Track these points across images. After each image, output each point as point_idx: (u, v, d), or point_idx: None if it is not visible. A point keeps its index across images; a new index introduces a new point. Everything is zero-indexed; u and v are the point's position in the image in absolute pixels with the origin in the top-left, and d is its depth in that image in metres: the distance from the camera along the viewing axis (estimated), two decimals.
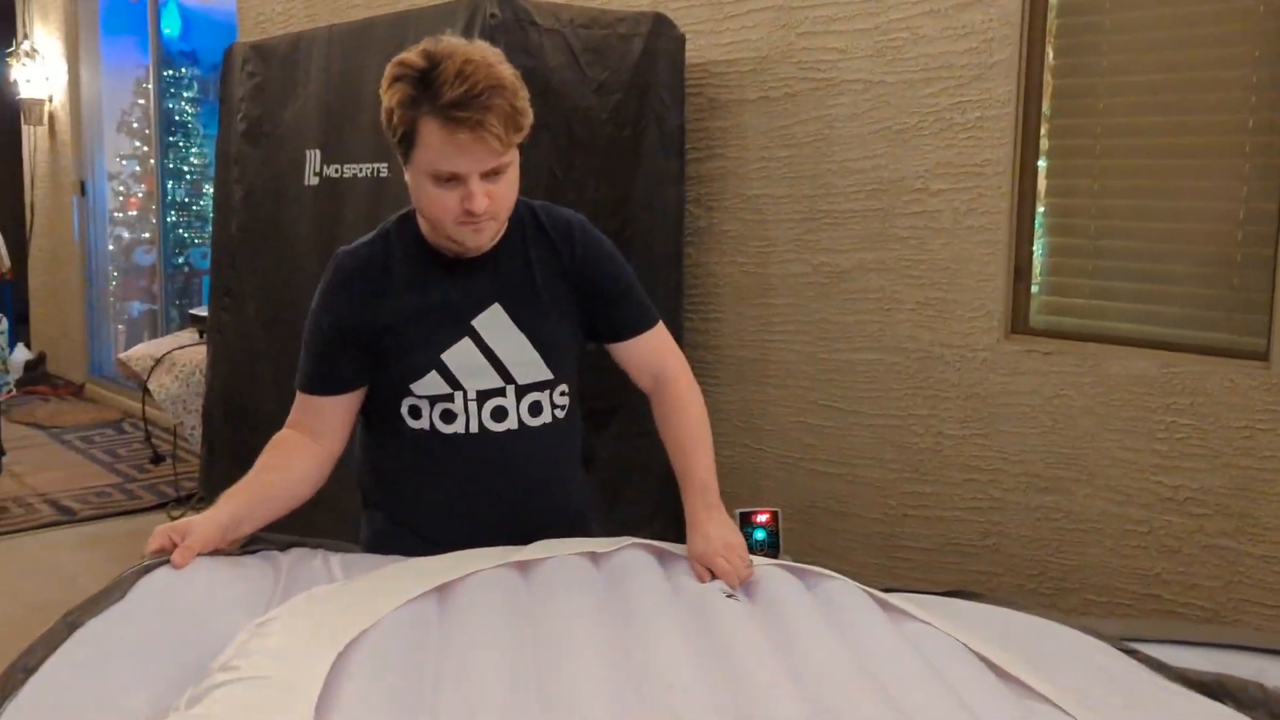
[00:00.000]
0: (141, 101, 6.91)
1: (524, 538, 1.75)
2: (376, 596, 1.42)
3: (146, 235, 7.07)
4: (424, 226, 1.69)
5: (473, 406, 1.71)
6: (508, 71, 1.55)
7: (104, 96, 6.95)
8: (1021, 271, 2.63)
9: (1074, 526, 2.56)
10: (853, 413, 2.93)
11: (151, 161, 6.73)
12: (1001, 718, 1.30)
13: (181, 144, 6.81)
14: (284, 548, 1.70)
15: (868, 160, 2.83)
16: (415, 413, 1.72)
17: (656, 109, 3.01)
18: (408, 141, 1.55)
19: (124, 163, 7.11)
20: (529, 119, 1.57)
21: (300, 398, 1.75)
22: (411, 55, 1.54)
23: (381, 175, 2.95)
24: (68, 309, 7.28)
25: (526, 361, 1.73)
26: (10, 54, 7.18)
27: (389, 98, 1.54)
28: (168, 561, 1.53)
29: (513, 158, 1.59)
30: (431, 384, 1.69)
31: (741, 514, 2.36)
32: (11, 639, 3.61)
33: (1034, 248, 2.62)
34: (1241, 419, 2.30)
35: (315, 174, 3.20)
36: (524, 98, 1.56)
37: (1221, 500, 2.34)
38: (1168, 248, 2.45)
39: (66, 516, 4.60)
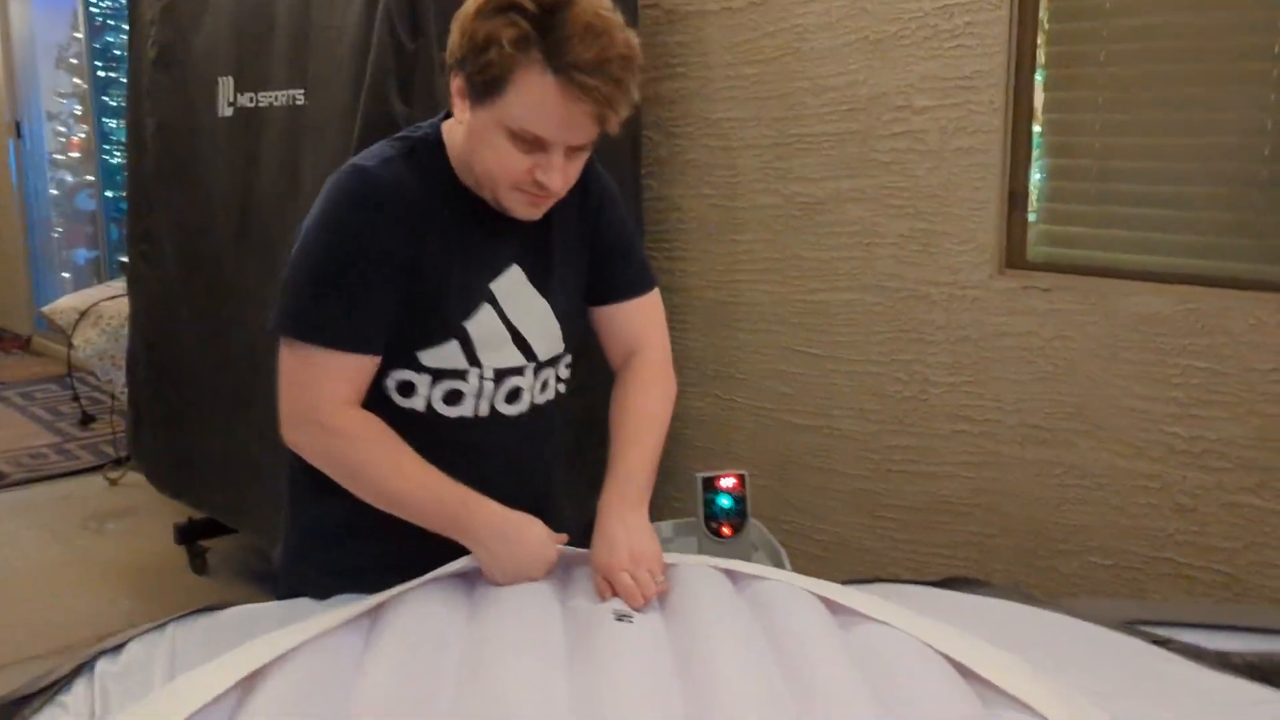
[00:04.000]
0: (79, 35, 6.50)
1: None
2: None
3: (91, 178, 6.71)
4: (458, 166, 1.39)
5: (488, 386, 1.44)
6: (634, 39, 1.28)
7: (37, 30, 6.54)
8: (1017, 198, 2.33)
9: (1077, 483, 2.29)
10: (830, 358, 2.65)
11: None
12: None
13: (123, 79, 6.42)
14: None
15: (843, 76, 2.51)
16: (407, 389, 1.42)
17: None
18: (496, 85, 1.25)
19: (64, 101, 6.71)
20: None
21: (334, 359, 1.34)
22: None
23: (298, 103, 2.62)
24: (10, 258, 6.94)
25: (548, 334, 1.48)
26: None
27: (490, 27, 1.24)
28: None
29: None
30: (447, 355, 1.40)
31: (704, 479, 2.08)
32: None
33: (1031, 171, 2.32)
34: (1268, 360, 2.03)
35: (229, 104, 2.87)
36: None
37: (1243, 453, 2.08)
38: (1184, 167, 2.15)
39: None
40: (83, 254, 6.84)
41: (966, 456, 2.45)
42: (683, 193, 2.89)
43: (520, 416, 1.49)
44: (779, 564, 2.20)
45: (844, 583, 1.52)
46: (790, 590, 1.39)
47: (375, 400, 1.41)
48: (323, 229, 1.34)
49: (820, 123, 2.58)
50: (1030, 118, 2.30)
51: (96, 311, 3.97)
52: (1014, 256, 2.35)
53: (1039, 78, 2.29)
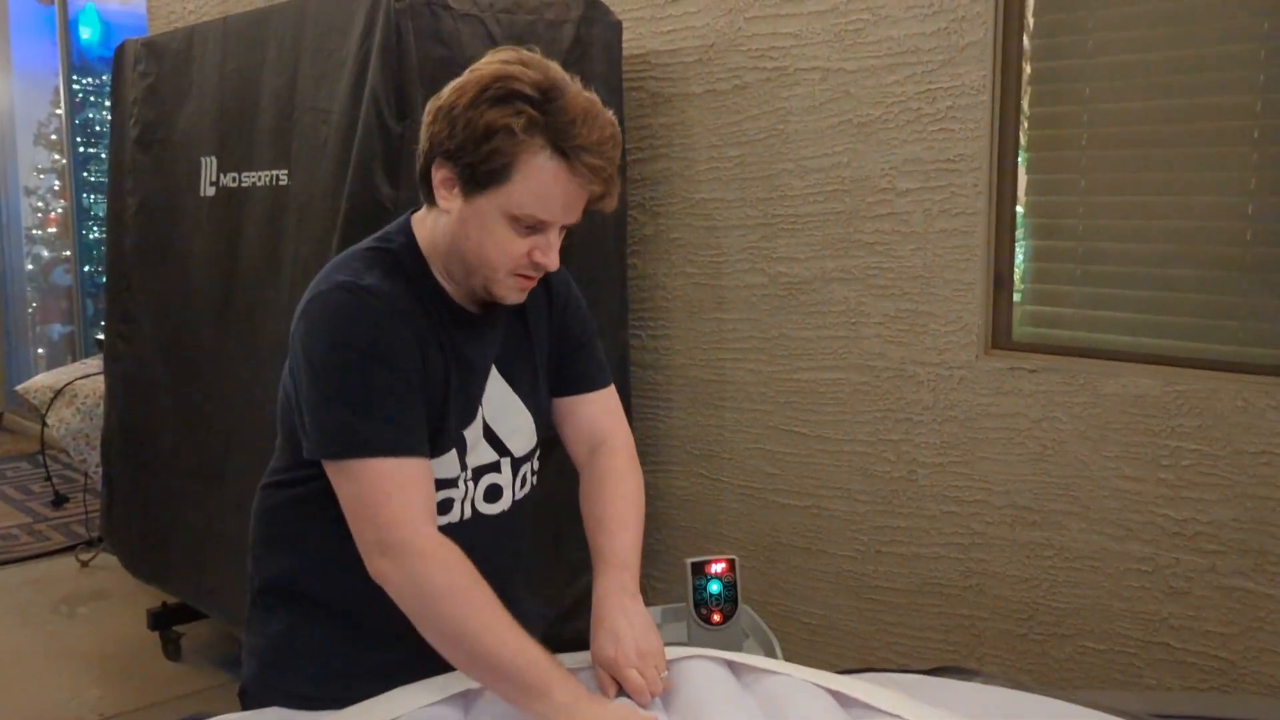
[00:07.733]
0: (59, 112, 6.51)
1: None
2: None
3: (68, 253, 6.67)
4: (439, 269, 1.36)
5: (469, 487, 1.41)
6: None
7: (16, 106, 6.54)
8: (1002, 279, 2.34)
9: (1068, 565, 2.27)
10: (817, 438, 2.63)
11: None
12: None
13: (103, 155, 6.42)
14: None
15: (828, 158, 2.53)
16: None
17: None
18: (502, 173, 1.25)
19: (42, 177, 6.70)
20: None
21: (391, 467, 1.26)
22: (516, 70, 1.25)
23: (281, 183, 2.61)
24: None
25: (520, 428, 1.46)
26: None
27: (493, 116, 1.24)
28: None
29: None
30: (446, 464, 1.37)
31: (693, 564, 2.04)
32: None
33: (1015, 252, 2.34)
34: (1257, 443, 2.02)
35: (211, 183, 2.86)
36: None
37: (1236, 535, 2.06)
38: (1168, 249, 2.17)
39: None
40: (57, 329, 6.77)
41: (955, 538, 2.42)
42: (667, 271, 2.89)
43: (500, 515, 1.45)
44: (770, 650, 2.15)
45: (834, 672, 1.48)
46: (798, 685, 1.35)
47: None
48: (332, 347, 1.28)
49: (805, 204, 2.59)
50: (1014, 200, 2.32)
51: (71, 390, 3.91)
52: (1000, 337, 2.35)
53: (1021, 160, 2.32)
